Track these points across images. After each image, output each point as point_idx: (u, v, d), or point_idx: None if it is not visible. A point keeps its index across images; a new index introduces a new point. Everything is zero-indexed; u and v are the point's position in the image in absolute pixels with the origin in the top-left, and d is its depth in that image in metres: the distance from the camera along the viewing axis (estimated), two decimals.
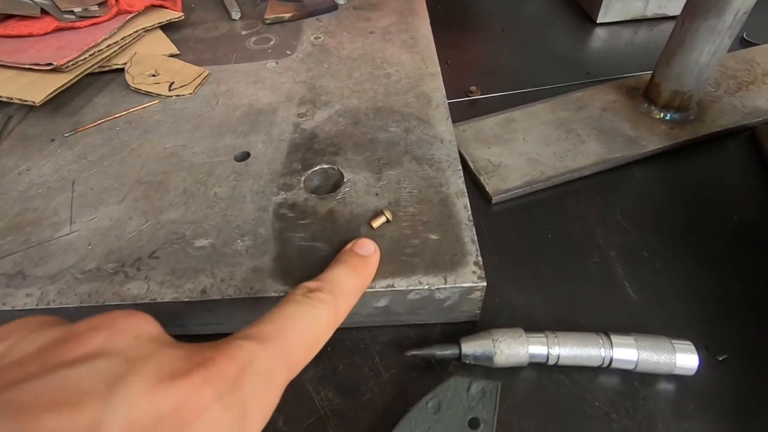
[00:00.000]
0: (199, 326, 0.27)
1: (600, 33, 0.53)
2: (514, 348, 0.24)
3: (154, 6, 0.46)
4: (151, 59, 0.42)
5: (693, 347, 0.24)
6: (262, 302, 0.25)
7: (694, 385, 0.24)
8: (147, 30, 0.44)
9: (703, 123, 0.39)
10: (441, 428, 0.21)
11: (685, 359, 0.23)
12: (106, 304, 0.25)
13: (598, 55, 0.50)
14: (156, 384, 0.12)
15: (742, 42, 0.50)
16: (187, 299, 0.25)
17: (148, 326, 0.14)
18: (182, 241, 0.27)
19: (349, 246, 0.24)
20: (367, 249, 0.23)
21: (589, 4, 0.55)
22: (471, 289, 0.25)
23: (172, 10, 0.47)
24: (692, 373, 0.24)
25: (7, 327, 0.14)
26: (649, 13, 0.54)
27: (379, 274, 0.25)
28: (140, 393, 0.12)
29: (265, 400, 0.15)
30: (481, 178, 0.35)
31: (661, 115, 0.39)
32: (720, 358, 0.25)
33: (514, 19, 0.57)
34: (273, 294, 0.25)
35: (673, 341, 0.24)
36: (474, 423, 0.21)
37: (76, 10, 0.42)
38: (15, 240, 0.28)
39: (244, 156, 0.33)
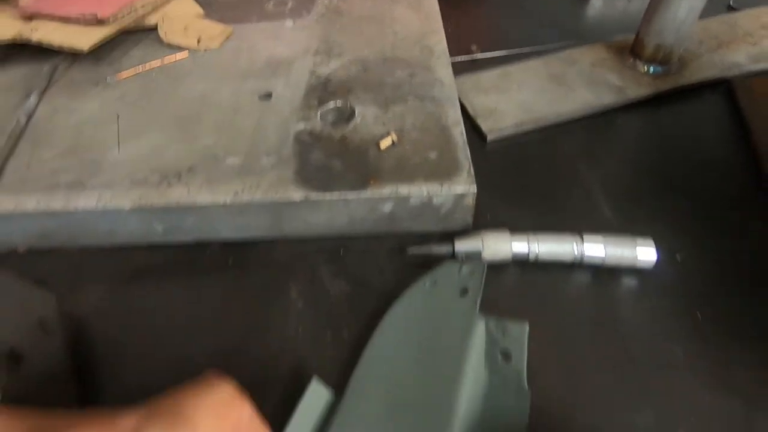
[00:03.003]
0: (232, 231, 0.31)
1: (596, 2, 0.56)
2: (500, 244, 0.28)
3: None
4: (181, 19, 0.46)
5: (652, 242, 0.28)
6: (286, 207, 0.29)
7: (656, 280, 0.28)
8: None
9: (682, 76, 0.42)
10: (437, 298, 0.25)
11: (645, 253, 0.27)
12: (154, 206, 0.29)
13: (594, 21, 0.53)
14: None
15: (729, 9, 0.53)
16: (221, 202, 0.29)
17: None
18: (216, 159, 0.32)
19: None
20: None
21: None
22: (464, 196, 0.29)
23: None
24: (651, 266, 0.28)
25: None
26: None
27: (386, 182, 0.29)
28: None
29: None
30: (478, 120, 0.39)
31: (646, 68, 0.43)
32: (679, 258, 0.29)
33: None
34: (295, 199, 0.29)
35: (635, 238, 0.28)
36: (464, 292, 0.25)
37: None
38: (73, 160, 0.33)
39: (267, 96, 0.37)
